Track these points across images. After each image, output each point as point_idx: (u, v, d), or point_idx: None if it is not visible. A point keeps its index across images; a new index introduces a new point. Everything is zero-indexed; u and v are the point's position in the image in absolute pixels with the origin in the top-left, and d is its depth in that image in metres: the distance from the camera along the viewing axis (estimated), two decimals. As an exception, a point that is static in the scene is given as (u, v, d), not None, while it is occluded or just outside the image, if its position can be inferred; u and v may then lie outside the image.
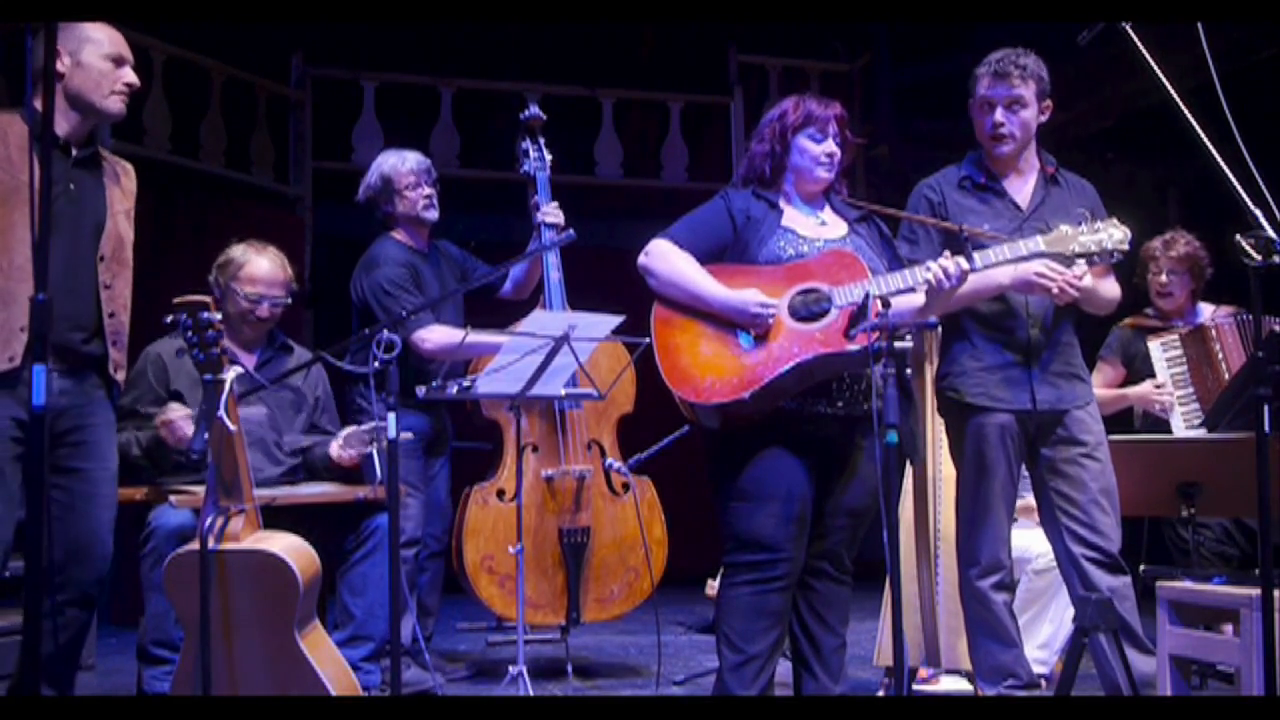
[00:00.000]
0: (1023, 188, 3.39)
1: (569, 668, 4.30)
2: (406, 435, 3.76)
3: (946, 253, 3.06)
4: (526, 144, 4.38)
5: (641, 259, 3.12)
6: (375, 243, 4.13)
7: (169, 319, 2.75)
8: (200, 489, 3.10)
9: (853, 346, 2.88)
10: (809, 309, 2.99)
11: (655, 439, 4.30)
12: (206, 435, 2.78)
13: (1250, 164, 2.66)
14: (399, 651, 2.84)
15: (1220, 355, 4.15)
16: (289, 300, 3.74)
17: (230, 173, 7.15)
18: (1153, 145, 6.99)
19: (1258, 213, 2.64)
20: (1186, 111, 2.73)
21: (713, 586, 4.63)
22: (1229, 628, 3.43)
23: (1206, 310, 4.41)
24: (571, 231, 3.46)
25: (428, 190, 4.16)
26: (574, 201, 4.54)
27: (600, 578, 4.17)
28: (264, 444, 3.63)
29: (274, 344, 3.77)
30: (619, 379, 3.88)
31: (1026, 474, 3.51)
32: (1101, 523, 3.25)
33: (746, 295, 2.99)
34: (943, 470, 3.78)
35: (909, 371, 2.66)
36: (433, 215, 4.17)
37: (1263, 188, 2.66)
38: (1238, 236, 2.62)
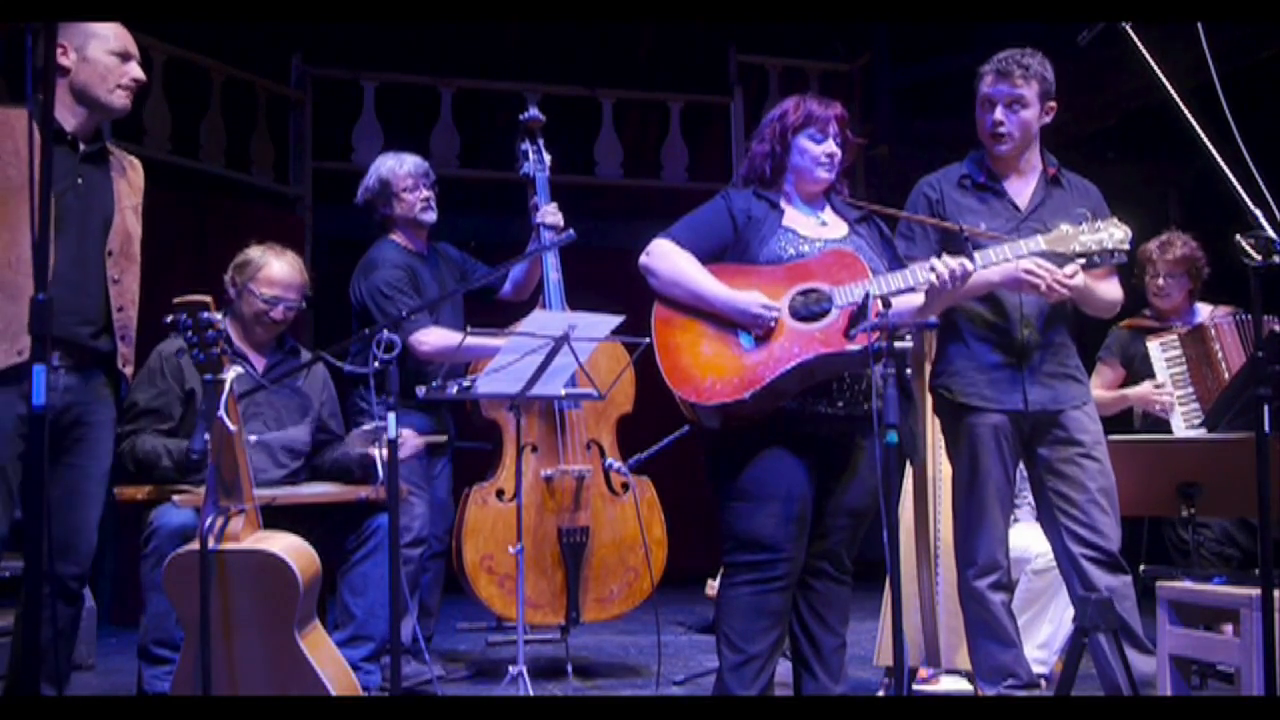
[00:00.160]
0: (1023, 188, 3.39)
1: (569, 668, 4.30)
2: (438, 438, 3.79)
3: (946, 254, 3.06)
4: (526, 145, 4.39)
5: (643, 259, 3.12)
6: (374, 245, 4.14)
7: (169, 319, 2.75)
8: (203, 488, 3.11)
9: (853, 346, 2.88)
10: (810, 309, 2.99)
11: (655, 439, 4.30)
12: (206, 435, 2.79)
13: (1250, 164, 2.66)
14: (399, 651, 2.84)
15: (1220, 354, 4.15)
16: (303, 304, 3.75)
17: (230, 173, 7.15)
18: (1153, 145, 7.00)
19: (1258, 213, 2.64)
20: (1186, 111, 2.73)
21: (713, 586, 4.63)
22: (1229, 628, 3.43)
23: (1204, 310, 4.41)
24: (571, 232, 3.46)
25: (425, 193, 4.17)
26: (574, 201, 4.55)
27: (600, 578, 4.17)
28: (268, 444, 3.63)
29: (284, 347, 3.78)
30: (619, 379, 3.88)
31: (1026, 474, 3.52)
32: (1101, 522, 3.25)
33: (748, 296, 2.99)
34: (942, 470, 3.78)
35: (909, 371, 2.66)
36: (431, 217, 4.18)
37: (1263, 188, 2.66)
38: (1238, 236, 2.62)
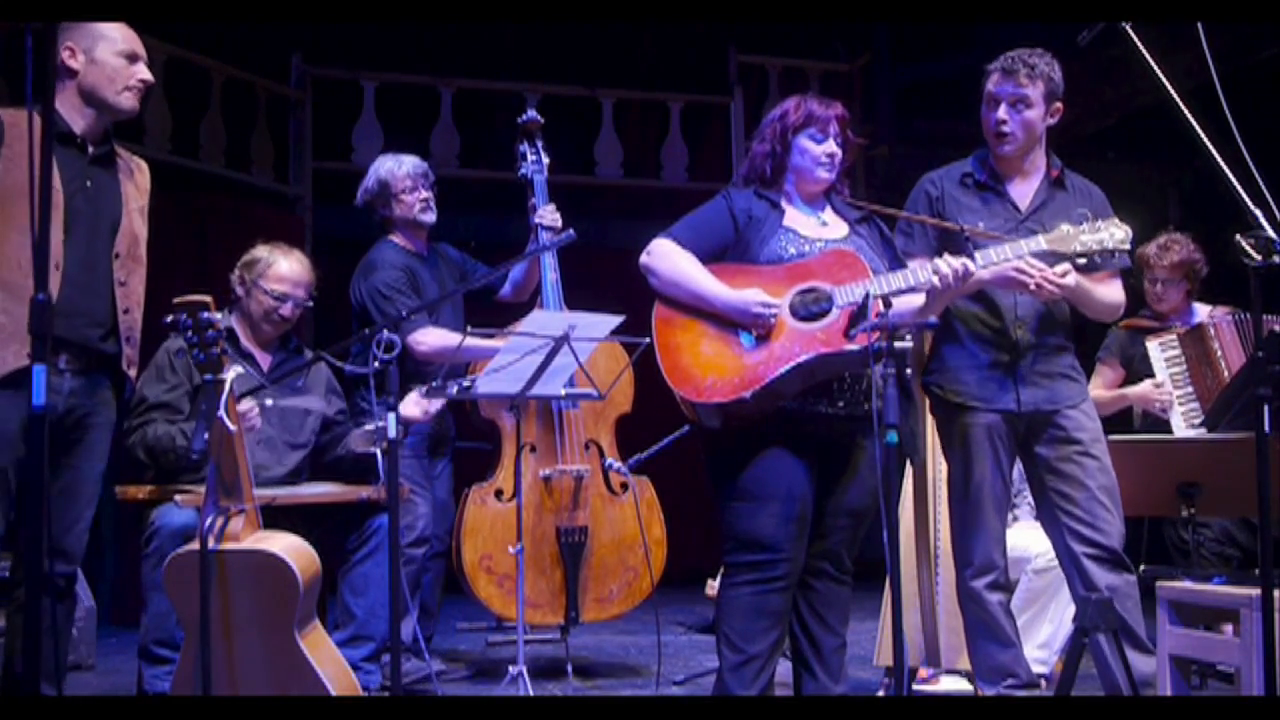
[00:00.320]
0: (1025, 189, 3.38)
1: (569, 668, 4.30)
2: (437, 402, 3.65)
3: (947, 254, 3.06)
4: (524, 147, 4.39)
5: (643, 258, 3.12)
6: (373, 247, 4.14)
7: (169, 319, 2.75)
8: (204, 488, 3.11)
9: (853, 346, 2.88)
10: (810, 308, 2.99)
11: (654, 439, 4.30)
12: (206, 435, 2.79)
13: (1250, 164, 2.66)
14: (399, 651, 2.84)
15: (1219, 353, 4.15)
16: (310, 303, 3.76)
17: (230, 173, 7.15)
18: (1153, 145, 7.00)
19: (1258, 213, 2.64)
20: (1186, 111, 2.73)
21: (713, 586, 4.63)
22: (1229, 628, 3.43)
23: (1202, 310, 4.42)
24: (571, 232, 3.46)
25: (425, 193, 4.17)
26: (574, 201, 4.55)
27: (599, 578, 4.17)
28: (272, 442, 3.64)
29: (288, 346, 3.79)
30: (619, 379, 3.88)
31: (1025, 474, 3.52)
32: (1102, 519, 3.24)
33: (748, 295, 2.99)
34: (942, 470, 3.77)
35: (909, 371, 2.66)
36: (430, 218, 4.18)
37: (1263, 188, 2.66)
38: (1238, 236, 2.62)
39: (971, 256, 3.04)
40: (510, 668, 3.58)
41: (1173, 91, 2.76)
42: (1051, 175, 3.39)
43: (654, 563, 4.15)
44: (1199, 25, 2.85)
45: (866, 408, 3.00)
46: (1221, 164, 2.68)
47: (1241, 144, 2.68)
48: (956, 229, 3.26)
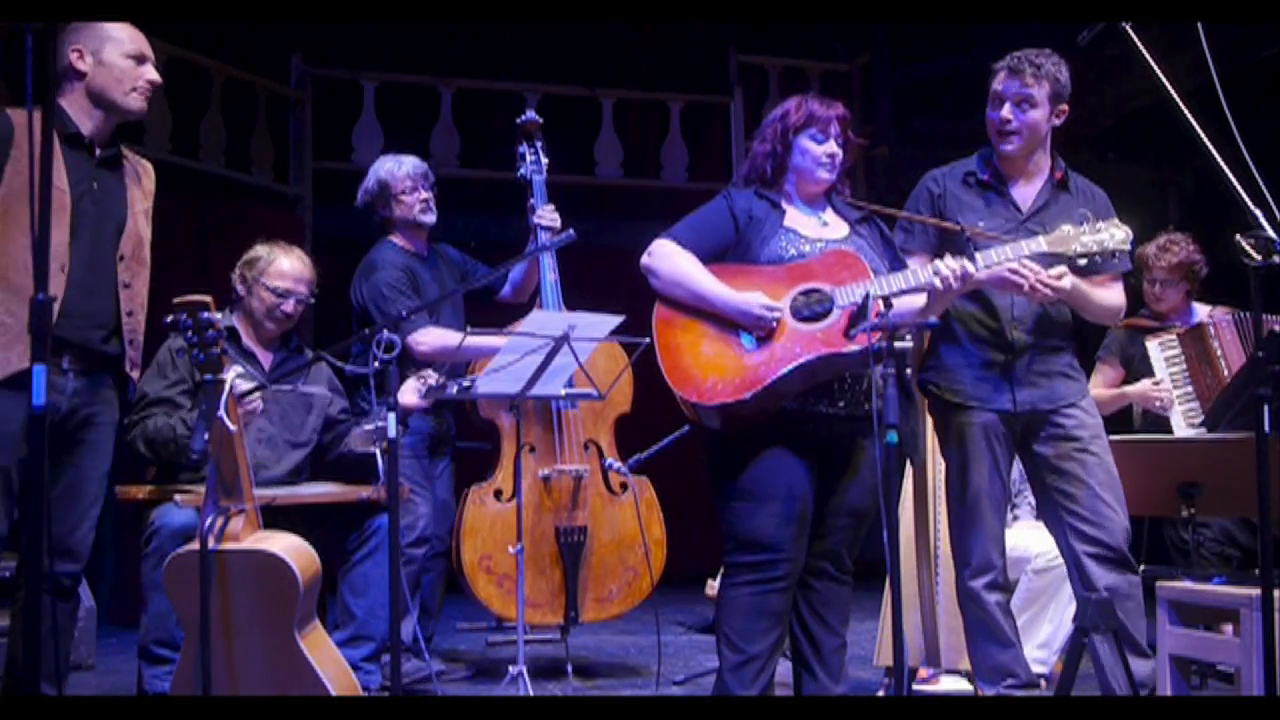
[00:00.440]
0: (1028, 191, 3.38)
1: (569, 668, 4.30)
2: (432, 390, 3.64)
3: (948, 255, 3.06)
4: (523, 148, 4.39)
5: (644, 259, 3.12)
6: (374, 247, 4.15)
7: (169, 319, 2.76)
8: (204, 488, 3.11)
9: (854, 347, 2.88)
10: (811, 309, 2.99)
11: (653, 439, 4.30)
12: (206, 435, 2.79)
13: (1250, 164, 2.66)
14: (399, 651, 2.84)
15: (1219, 353, 4.15)
16: (312, 300, 3.76)
17: (230, 173, 7.15)
18: (1153, 145, 7.00)
19: (1258, 213, 2.64)
20: (1186, 111, 2.73)
21: (713, 586, 4.63)
22: (1229, 628, 3.43)
23: (1202, 311, 4.42)
24: (571, 232, 3.46)
25: (425, 194, 4.17)
26: (574, 202, 4.54)
27: (599, 578, 4.17)
28: (273, 440, 3.64)
29: (289, 345, 3.80)
30: (618, 379, 3.88)
31: (1025, 474, 3.51)
32: (1105, 516, 3.23)
33: (750, 297, 2.99)
34: (943, 470, 3.78)
35: (909, 371, 2.66)
36: (430, 219, 4.18)
37: (1263, 188, 2.66)
38: (1238, 236, 2.62)
39: (972, 257, 3.04)
40: (510, 668, 3.58)
41: (1173, 91, 2.76)
42: (1055, 177, 3.38)
43: (654, 563, 4.15)
44: (1199, 25, 2.85)
45: (867, 408, 3.00)
46: (1221, 164, 2.68)
47: (1241, 144, 2.68)
48: (956, 229, 3.26)
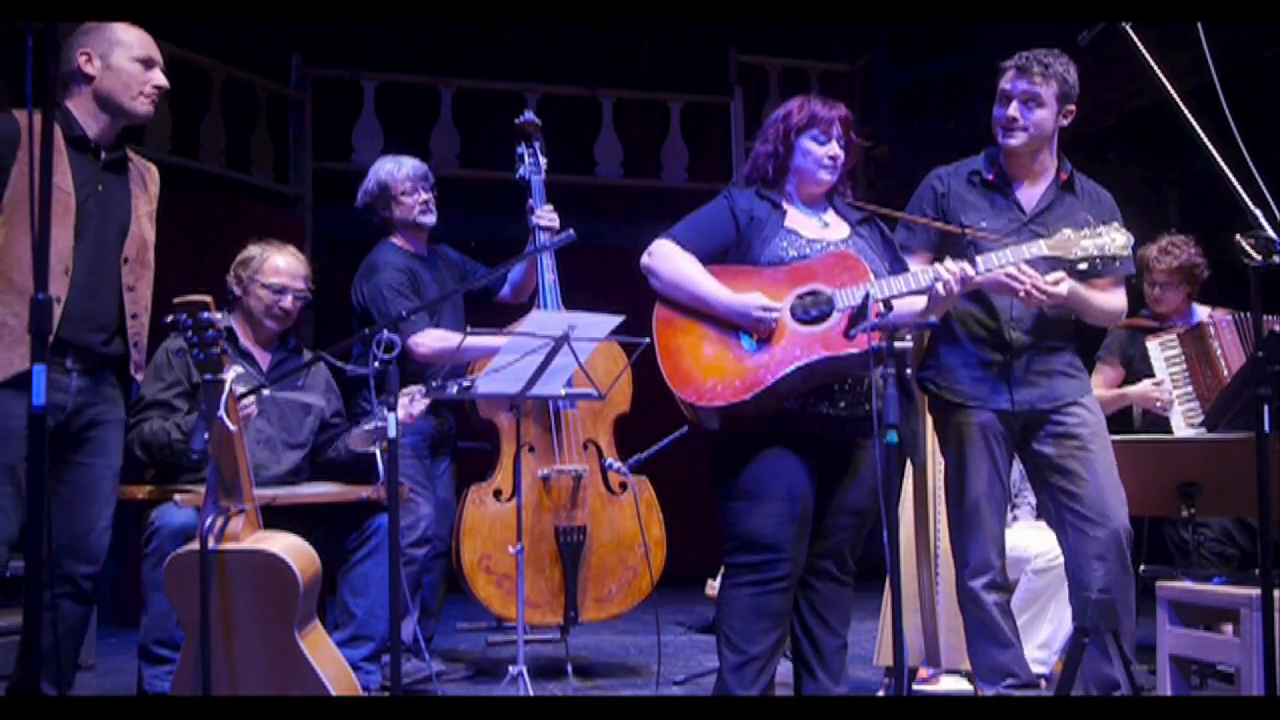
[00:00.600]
0: (1033, 191, 3.37)
1: (569, 668, 4.30)
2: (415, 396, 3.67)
3: (948, 259, 3.06)
4: (522, 149, 4.39)
5: (644, 260, 3.12)
6: (374, 249, 4.15)
7: (169, 319, 2.76)
8: (204, 488, 3.11)
9: (854, 349, 2.87)
10: (811, 311, 2.99)
11: (653, 439, 4.30)
12: (206, 435, 2.79)
13: (1250, 164, 2.66)
14: (399, 651, 2.84)
15: (1219, 352, 4.16)
16: (309, 295, 3.77)
17: (230, 173, 7.15)
18: (1153, 145, 6.99)
19: (1258, 213, 2.64)
20: (1186, 111, 2.73)
21: (713, 586, 4.63)
22: (1229, 628, 3.43)
23: (1202, 312, 4.43)
24: (571, 232, 3.46)
25: (425, 195, 4.17)
26: (573, 202, 4.54)
27: (599, 577, 4.17)
28: (271, 442, 3.64)
29: (287, 346, 3.80)
30: (618, 379, 3.88)
31: (1026, 474, 3.51)
32: (1107, 515, 3.21)
33: (749, 299, 2.99)
34: (943, 470, 3.78)
35: (909, 371, 2.66)
36: (430, 220, 4.18)
37: (1263, 188, 2.66)
38: (1238, 236, 2.62)
39: (972, 260, 3.04)
40: (510, 668, 3.58)
41: (1173, 91, 2.76)
42: (1060, 179, 3.37)
43: (653, 563, 4.15)
44: (1199, 25, 2.85)
45: (867, 408, 3.00)
46: (1221, 164, 2.68)
47: (1241, 144, 2.68)
48: (958, 231, 3.26)
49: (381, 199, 4.17)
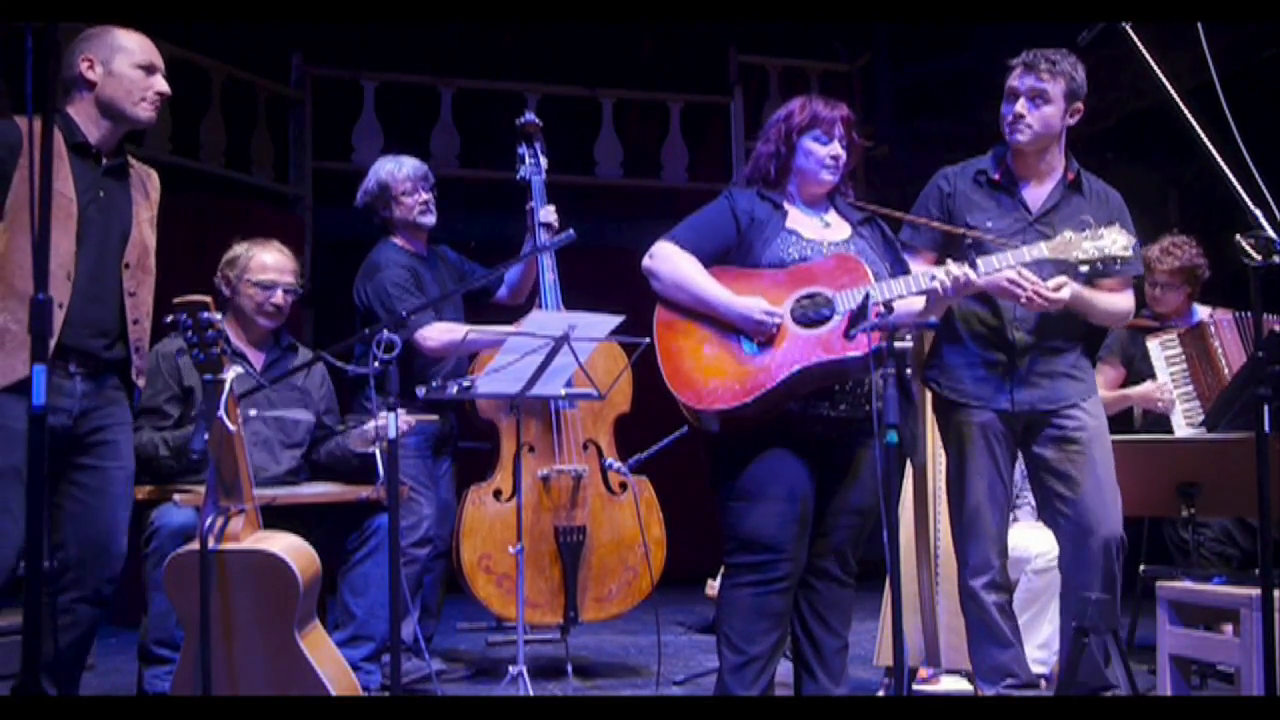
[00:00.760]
0: (1039, 191, 3.37)
1: (569, 668, 4.30)
2: (428, 417, 3.72)
3: (950, 261, 3.06)
4: (523, 149, 4.39)
5: (646, 262, 3.12)
6: (375, 248, 4.15)
7: (169, 319, 2.76)
8: (203, 488, 3.11)
9: (853, 351, 2.87)
10: (811, 314, 2.99)
11: (653, 439, 4.30)
12: (206, 435, 2.79)
13: (1250, 164, 2.66)
14: (399, 651, 2.84)
15: (1220, 352, 4.16)
16: (300, 290, 3.77)
17: (230, 173, 7.15)
18: (1153, 145, 6.99)
19: (1258, 213, 2.64)
20: (1186, 111, 2.73)
21: (713, 586, 4.63)
22: (1229, 628, 3.43)
23: (1203, 312, 4.43)
24: (571, 232, 3.46)
25: (424, 196, 4.17)
26: (573, 202, 4.54)
27: (599, 577, 4.17)
28: (268, 443, 3.64)
29: (281, 344, 3.80)
30: (618, 379, 3.88)
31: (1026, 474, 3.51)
32: (1098, 520, 3.22)
33: (750, 302, 2.98)
34: (943, 470, 3.78)
35: (909, 372, 2.66)
36: (430, 220, 4.18)
37: (1263, 188, 2.66)
38: (1238, 236, 2.62)
39: (973, 263, 3.03)
40: (510, 668, 3.58)
41: (1173, 91, 2.76)
42: (1068, 178, 3.37)
43: (653, 563, 4.15)
44: (1199, 25, 2.85)
45: (867, 409, 3.00)
46: (1221, 164, 2.68)
47: (1241, 144, 2.68)
48: (960, 233, 3.25)
49: (381, 199, 4.17)
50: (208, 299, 2.76)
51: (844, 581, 3.15)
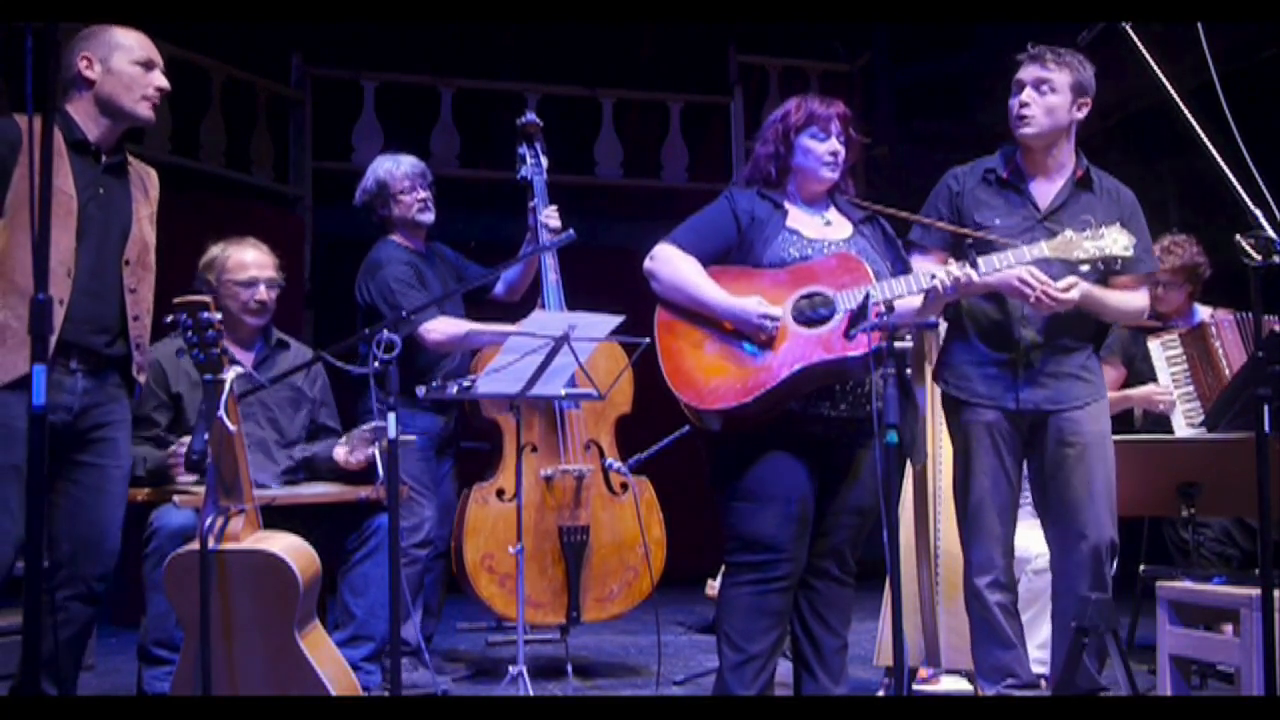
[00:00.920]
0: (1048, 188, 3.36)
1: (569, 668, 4.30)
2: (409, 439, 3.75)
3: (951, 261, 3.06)
4: (523, 149, 4.39)
5: (646, 264, 3.12)
6: (376, 246, 4.15)
7: (169, 319, 2.76)
8: (203, 488, 3.11)
9: (853, 351, 2.87)
10: (811, 313, 2.99)
11: (654, 439, 4.30)
12: (206, 435, 2.79)
13: (1250, 164, 2.66)
14: (399, 651, 2.84)
15: (1220, 352, 4.16)
16: (283, 283, 3.76)
17: (230, 173, 7.15)
18: (1153, 145, 6.99)
19: (1258, 213, 2.64)
20: (1186, 111, 2.73)
21: (713, 586, 4.63)
22: (1229, 628, 3.43)
23: (1204, 312, 4.44)
24: (571, 232, 3.46)
25: (423, 194, 4.17)
26: (574, 202, 4.54)
27: (600, 577, 4.17)
28: (264, 444, 3.63)
29: (270, 341, 3.79)
30: (618, 379, 3.88)
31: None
32: (1089, 524, 3.21)
33: (749, 304, 2.98)
34: (943, 470, 3.78)
35: (909, 372, 2.66)
36: (428, 218, 4.18)
37: (1263, 188, 2.66)
38: (1238, 236, 2.62)
39: (974, 263, 3.03)
40: (510, 668, 3.58)
41: (1173, 91, 2.76)
42: (1076, 175, 3.37)
43: (654, 563, 4.15)
44: (1199, 25, 2.85)
45: (868, 409, 2.99)
46: (1221, 164, 2.68)
47: (1241, 144, 2.67)
48: (963, 234, 3.25)
49: (380, 197, 4.17)
50: (208, 299, 2.76)
51: (843, 581, 3.15)
